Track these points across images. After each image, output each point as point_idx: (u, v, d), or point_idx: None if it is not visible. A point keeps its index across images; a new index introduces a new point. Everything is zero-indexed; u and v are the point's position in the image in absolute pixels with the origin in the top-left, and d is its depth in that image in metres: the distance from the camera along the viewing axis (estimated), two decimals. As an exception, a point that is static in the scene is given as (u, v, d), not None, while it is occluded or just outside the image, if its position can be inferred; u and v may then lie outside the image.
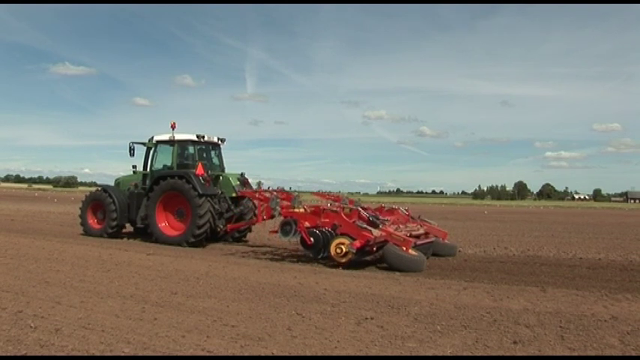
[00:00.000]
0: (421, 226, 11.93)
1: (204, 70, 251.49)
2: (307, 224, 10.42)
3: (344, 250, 9.64)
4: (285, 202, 11.67)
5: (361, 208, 11.07)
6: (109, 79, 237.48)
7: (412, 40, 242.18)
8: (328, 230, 10.17)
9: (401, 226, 11.23)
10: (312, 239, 10.14)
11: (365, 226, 9.95)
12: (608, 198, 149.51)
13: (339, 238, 9.86)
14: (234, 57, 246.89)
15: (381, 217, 11.08)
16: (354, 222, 10.09)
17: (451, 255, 11.66)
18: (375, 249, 10.11)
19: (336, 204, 11.97)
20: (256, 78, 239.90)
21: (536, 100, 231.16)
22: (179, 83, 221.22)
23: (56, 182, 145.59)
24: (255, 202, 13.02)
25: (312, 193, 14.11)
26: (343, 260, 9.68)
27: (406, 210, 12.63)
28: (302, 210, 10.96)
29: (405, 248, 9.58)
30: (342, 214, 10.33)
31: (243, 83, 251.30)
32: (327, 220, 10.38)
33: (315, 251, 10.29)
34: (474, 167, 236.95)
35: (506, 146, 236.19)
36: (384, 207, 12.61)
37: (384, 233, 9.91)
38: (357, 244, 9.55)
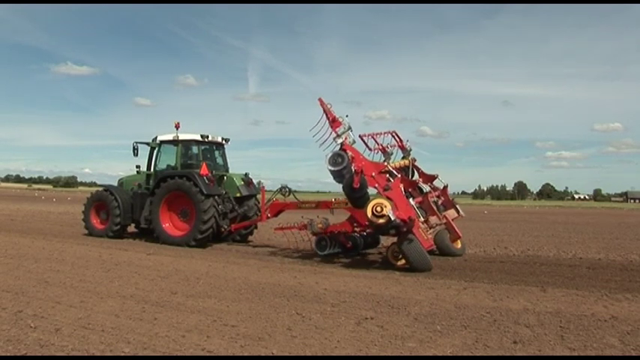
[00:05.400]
0: (439, 219, 11.51)
1: (206, 69, 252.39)
2: (363, 169, 9.95)
3: (384, 212, 9.04)
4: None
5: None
6: (110, 78, 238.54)
7: (414, 40, 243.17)
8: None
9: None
10: (359, 185, 9.57)
11: (414, 205, 9.56)
12: (608, 198, 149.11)
13: (384, 199, 9.32)
14: (236, 57, 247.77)
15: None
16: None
17: (455, 256, 11.62)
18: (405, 229, 9.48)
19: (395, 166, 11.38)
20: (258, 78, 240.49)
21: (538, 100, 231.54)
22: (181, 83, 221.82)
23: (56, 182, 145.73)
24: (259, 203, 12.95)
25: (360, 135, 12.00)
26: (380, 221, 9.08)
27: (436, 192, 12.09)
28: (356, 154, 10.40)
29: (425, 247, 9.43)
30: (399, 182, 9.84)
31: (245, 83, 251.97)
32: (383, 178, 9.86)
33: (322, 246, 10.22)
34: (474, 167, 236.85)
35: (507, 146, 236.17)
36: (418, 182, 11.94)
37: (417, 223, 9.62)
38: (399, 214, 9.15)
